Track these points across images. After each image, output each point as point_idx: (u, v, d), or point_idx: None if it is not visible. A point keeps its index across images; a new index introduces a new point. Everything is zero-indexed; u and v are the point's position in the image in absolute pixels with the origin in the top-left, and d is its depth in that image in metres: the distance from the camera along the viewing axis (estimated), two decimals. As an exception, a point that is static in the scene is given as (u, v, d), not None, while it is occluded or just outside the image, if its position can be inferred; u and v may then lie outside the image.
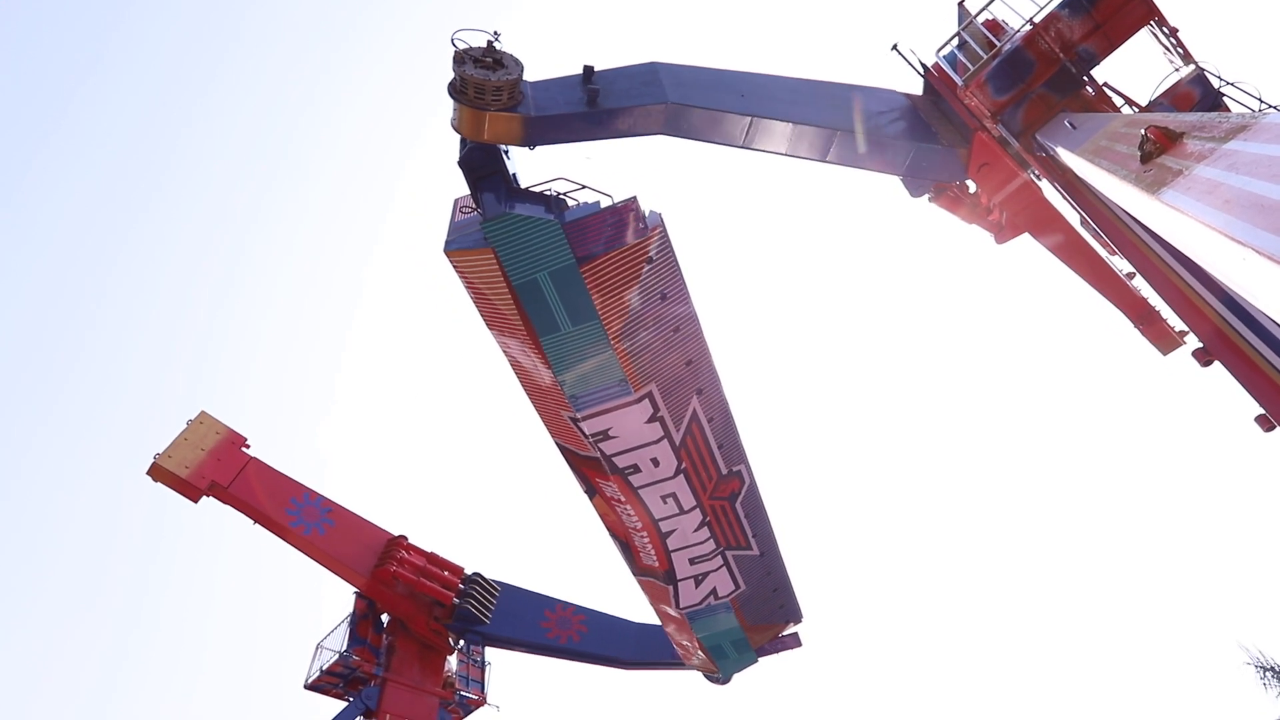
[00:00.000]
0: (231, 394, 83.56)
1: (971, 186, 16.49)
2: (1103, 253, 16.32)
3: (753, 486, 18.08)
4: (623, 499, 17.34)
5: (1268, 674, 24.84)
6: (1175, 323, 16.77)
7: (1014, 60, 13.66)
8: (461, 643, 25.56)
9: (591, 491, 17.71)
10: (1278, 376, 11.85)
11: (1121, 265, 16.36)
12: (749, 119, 13.88)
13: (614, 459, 16.44)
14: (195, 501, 21.93)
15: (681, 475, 17.00)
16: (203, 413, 22.78)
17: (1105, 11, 13.21)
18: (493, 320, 14.55)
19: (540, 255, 13.22)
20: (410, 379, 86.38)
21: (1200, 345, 13.83)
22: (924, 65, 15.30)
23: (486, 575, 25.53)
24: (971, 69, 14.08)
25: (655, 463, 16.59)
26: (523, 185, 13.67)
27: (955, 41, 14.99)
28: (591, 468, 16.98)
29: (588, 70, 13.43)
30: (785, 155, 14.53)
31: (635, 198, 13.54)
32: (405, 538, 25.05)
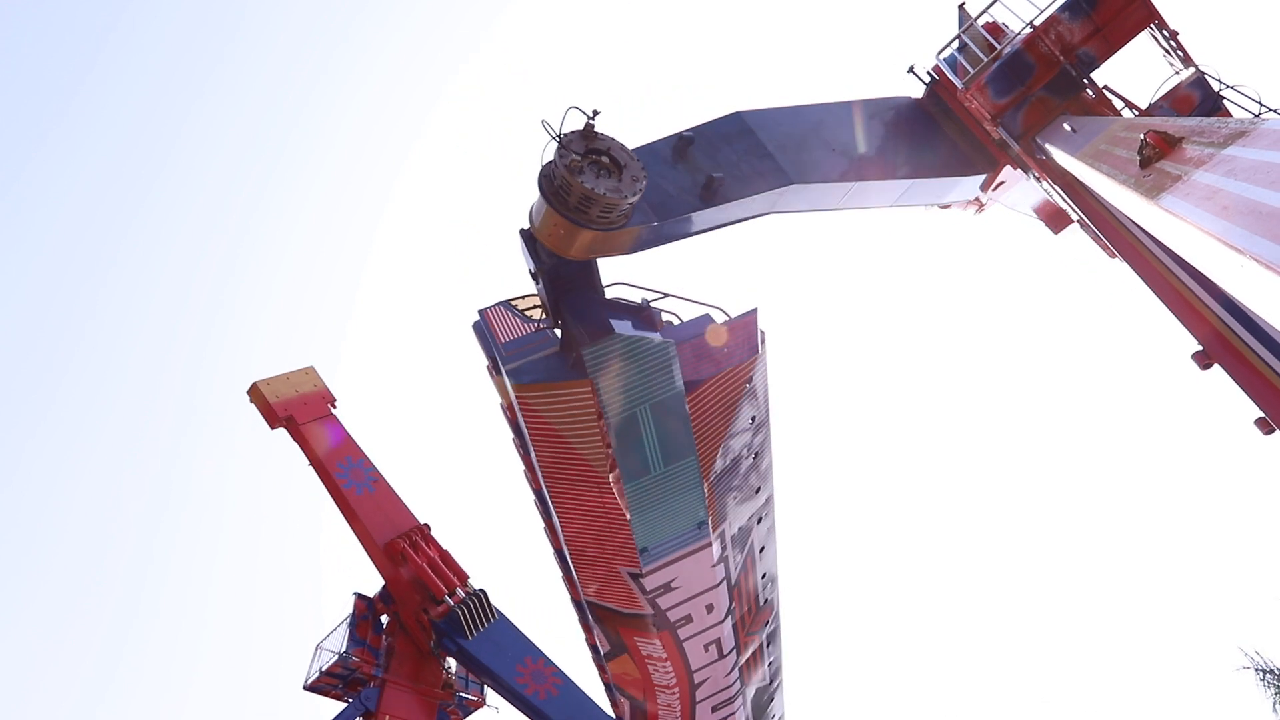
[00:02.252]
0: (230, 392, 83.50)
1: None
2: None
3: (777, 612, 16.17)
4: (664, 656, 15.17)
5: (1267, 677, 24.80)
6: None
7: (1014, 63, 13.66)
8: (445, 655, 25.32)
9: (618, 651, 15.39)
10: (1277, 380, 11.84)
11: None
12: (850, 186, 12.92)
13: (669, 613, 14.23)
14: (273, 428, 25.15)
15: (729, 617, 14.94)
16: (311, 368, 26.41)
17: (1105, 14, 13.20)
18: (557, 465, 11.93)
19: (645, 384, 10.80)
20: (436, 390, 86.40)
21: (1200, 348, 13.81)
22: (931, 74, 15.28)
23: (491, 598, 25.37)
24: (972, 72, 14.08)
25: (709, 609, 14.51)
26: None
27: (955, 44, 14.98)
28: (632, 625, 14.68)
29: (683, 141, 11.26)
30: (858, 209, 13.82)
31: (756, 310, 11.32)
32: (429, 527, 25.64)
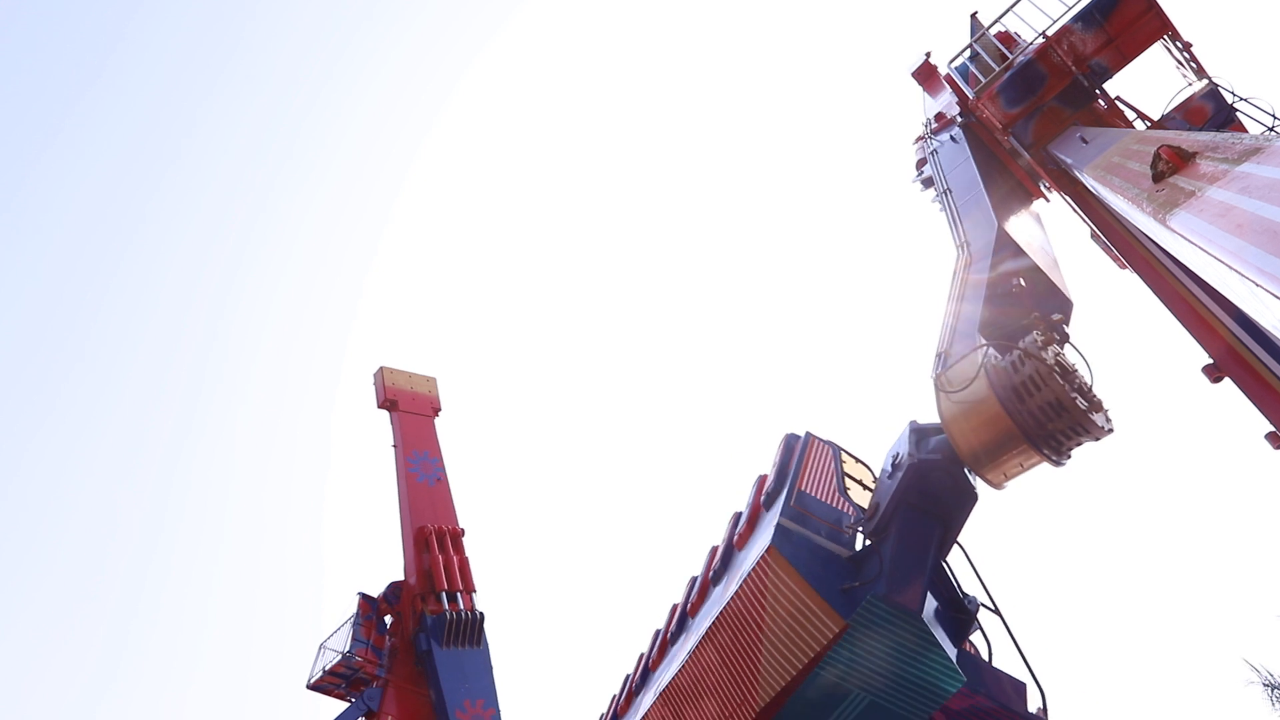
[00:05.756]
0: (234, 392, 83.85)
1: None
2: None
3: None
4: None
5: (1275, 692, 24.65)
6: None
7: (1026, 73, 13.60)
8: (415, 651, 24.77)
9: None
10: (1290, 394, 11.76)
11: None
12: None
13: None
14: (379, 407, 28.81)
15: None
16: (433, 378, 30.26)
17: (1118, 25, 13.13)
18: (721, 638, 9.63)
19: (887, 685, 8.51)
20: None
21: (1210, 361, 13.76)
22: (961, 94, 15.24)
23: (488, 625, 24.93)
24: (983, 81, 14.06)
25: None
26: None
27: (968, 53, 14.96)
28: None
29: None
30: None
31: None
32: (464, 533, 26.64)
